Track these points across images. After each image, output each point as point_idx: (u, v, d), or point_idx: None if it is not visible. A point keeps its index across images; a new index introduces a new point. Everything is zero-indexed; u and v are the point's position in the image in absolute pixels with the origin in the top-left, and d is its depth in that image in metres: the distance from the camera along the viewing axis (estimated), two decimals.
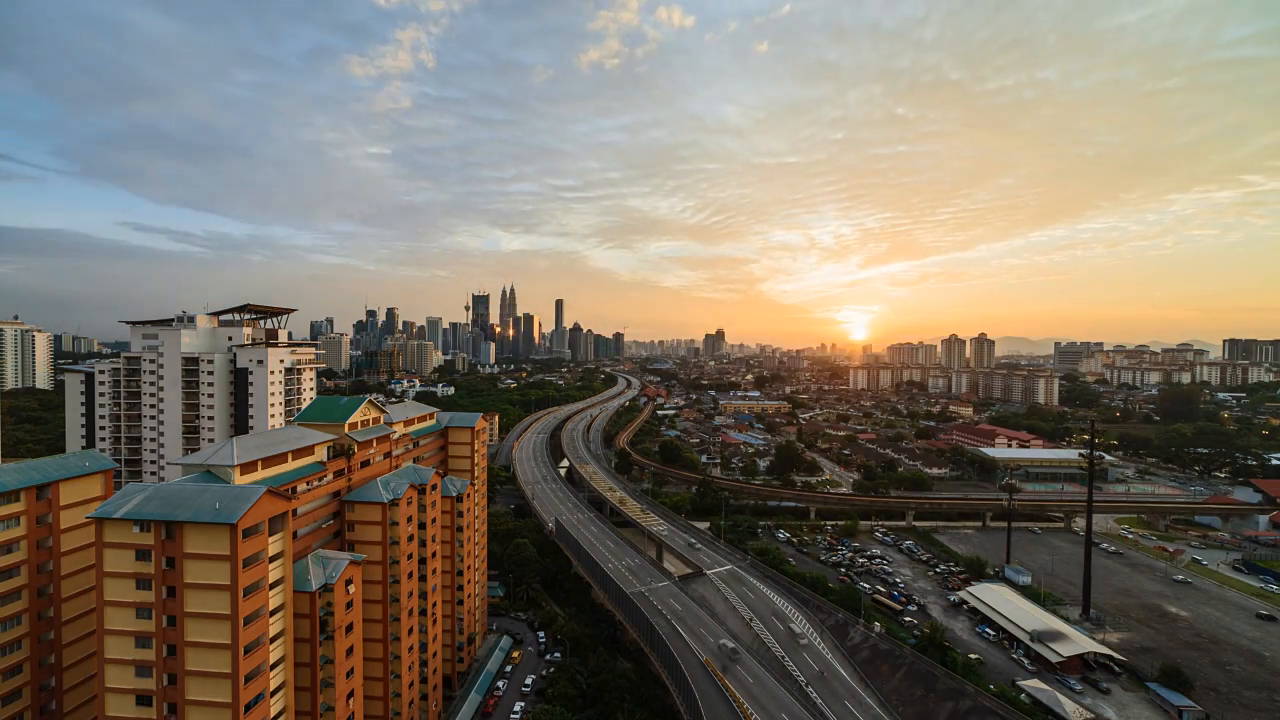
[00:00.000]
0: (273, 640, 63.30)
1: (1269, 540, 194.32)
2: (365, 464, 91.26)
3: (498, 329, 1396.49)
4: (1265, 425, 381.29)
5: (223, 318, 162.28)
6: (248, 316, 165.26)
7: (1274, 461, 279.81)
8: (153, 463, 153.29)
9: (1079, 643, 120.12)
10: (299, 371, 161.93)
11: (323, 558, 72.23)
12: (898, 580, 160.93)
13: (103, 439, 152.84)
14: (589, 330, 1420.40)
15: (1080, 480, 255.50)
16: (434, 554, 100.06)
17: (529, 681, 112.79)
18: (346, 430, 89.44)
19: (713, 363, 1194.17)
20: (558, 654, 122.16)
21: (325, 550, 75.75)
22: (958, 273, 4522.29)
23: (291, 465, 75.21)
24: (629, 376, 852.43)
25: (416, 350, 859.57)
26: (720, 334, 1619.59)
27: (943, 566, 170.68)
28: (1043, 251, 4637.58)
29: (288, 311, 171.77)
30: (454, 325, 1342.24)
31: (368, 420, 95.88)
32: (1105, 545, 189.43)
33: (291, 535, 66.63)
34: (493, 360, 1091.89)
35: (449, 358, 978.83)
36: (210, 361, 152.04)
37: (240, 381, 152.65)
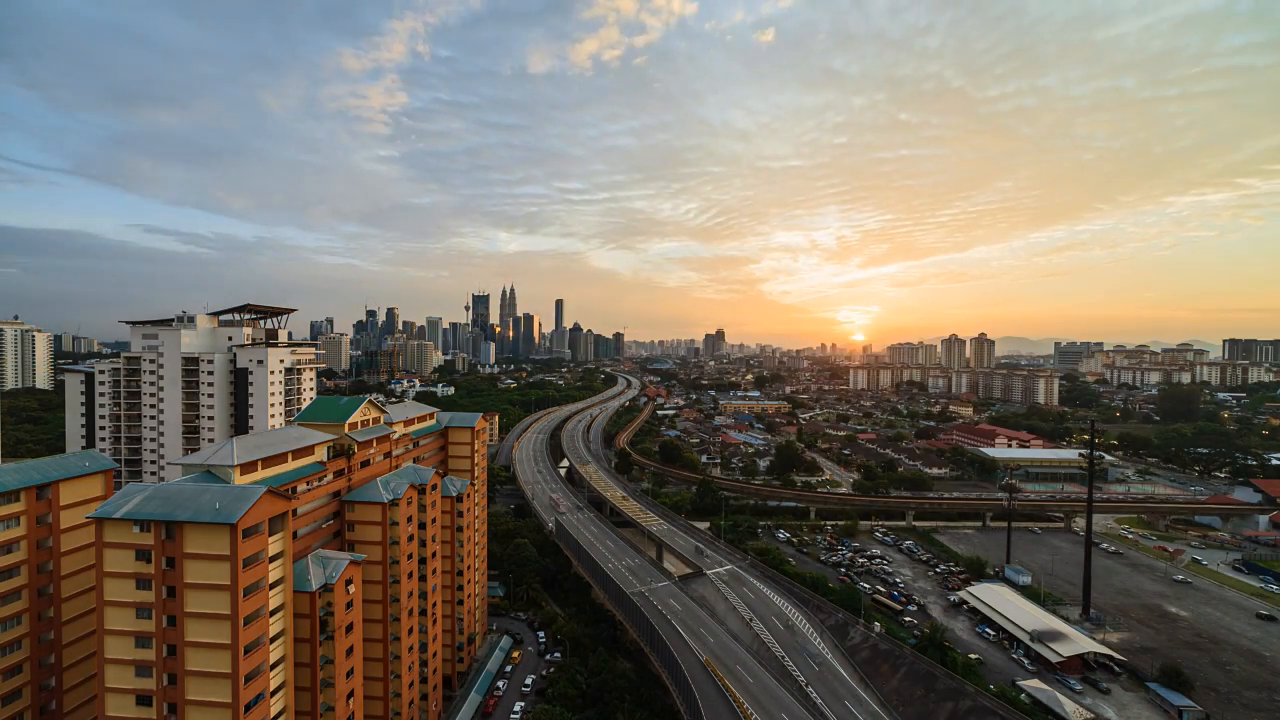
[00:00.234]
0: (273, 640, 63.30)
1: (1269, 540, 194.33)
2: (365, 464, 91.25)
3: (498, 329, 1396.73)
4: (1265, 425, 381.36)
5: (223, 318, 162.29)
6: (248, 316, 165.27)
7: (1274, 461, 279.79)
8: (153, 463, 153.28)
9: (1079, 643, 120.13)
10: (299, 371, 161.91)
11: (323, 558, 72.22)
12: (898, 580, 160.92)
13: (103, 439, 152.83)
14: (589, 330, 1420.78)
15: (1080, 480, 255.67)
16: (434, 554, 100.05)
17: (529, 681, 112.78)
18: (346, 430, 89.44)
19: (713, 363, 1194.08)
20: (558, 654, 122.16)
21: (325, 550, 75.74)
22: (958, 273, 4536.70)
23: (291, 465, 75.21)
24: (629, 376, 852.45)
25: (416, 350, 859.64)
26: (720, 334, 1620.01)
27: (943, 566, 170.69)
28: (1042, 252, 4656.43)
29: (288, 311, 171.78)
30: (454, 325, 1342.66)
31: (368, 420, 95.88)
32: (1105, 545, 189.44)
33: (291, 535, 66.63)
34: (493, 360, 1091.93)
35: (449, 358, 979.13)
36: (210, 361, 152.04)
37: (240, 381, 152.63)
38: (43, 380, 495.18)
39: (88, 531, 74.65)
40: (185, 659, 57.91)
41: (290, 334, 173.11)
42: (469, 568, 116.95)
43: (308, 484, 77.51)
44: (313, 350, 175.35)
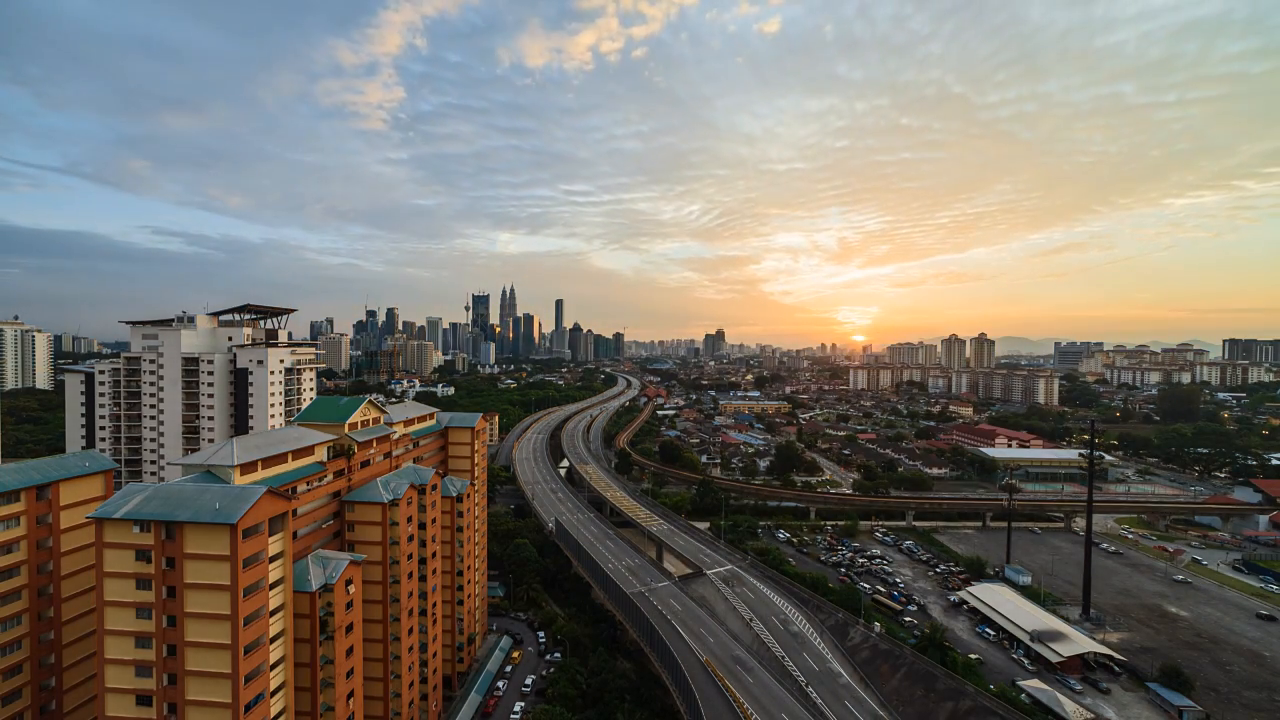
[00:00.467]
0: (273, 640, 63.30)
1: (1269, 540, 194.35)
2: (365, 464, 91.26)
3: (498, 329, 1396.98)
4: (1265, 425, 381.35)
5: (223, 318, 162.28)
6: (248, 317, 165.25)
7: (1274, 461, 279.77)
8: (153, 463, 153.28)
9: (1079, 643, 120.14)
10: (299, 371, 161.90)
11: (323, 558, 72.22)
12: (898, 580, 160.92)
13: (103, 439, 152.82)
14: (589, 330, 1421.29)
15: (1080, 480, 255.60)
16: (434, 554, 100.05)
17: (529, 681, 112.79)
18: (346, 430, 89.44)
19: (713, 363, 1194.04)
20: (558, 654, 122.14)
21: (325, 550, 75.75)
22: (958, 273, 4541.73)
23: (291, 465, 75.21)
24: (629, 376, 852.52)
25: (416, 350, 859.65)
26: (720, 334, 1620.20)
27: (943, 566, 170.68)
28: (1041, 253, 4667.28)
29: (288, 311, 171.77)
30: (454, 325, 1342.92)
31: (368, 420, 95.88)
32: (1105, 545, 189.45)
33: (291, 535, 66.64)
34: (493, 360, 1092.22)
35: (449, 358, 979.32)
36: (210, 362, 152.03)
37: (240, 382, 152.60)
38: (43, 380, 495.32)
39: (88, 531, 74.64)
40: (185, 659, 57.91)
41: (290, 334, 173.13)
42: (469, 568, 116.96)
43: (308, 484, 77.52)
44: (313, 350, 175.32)
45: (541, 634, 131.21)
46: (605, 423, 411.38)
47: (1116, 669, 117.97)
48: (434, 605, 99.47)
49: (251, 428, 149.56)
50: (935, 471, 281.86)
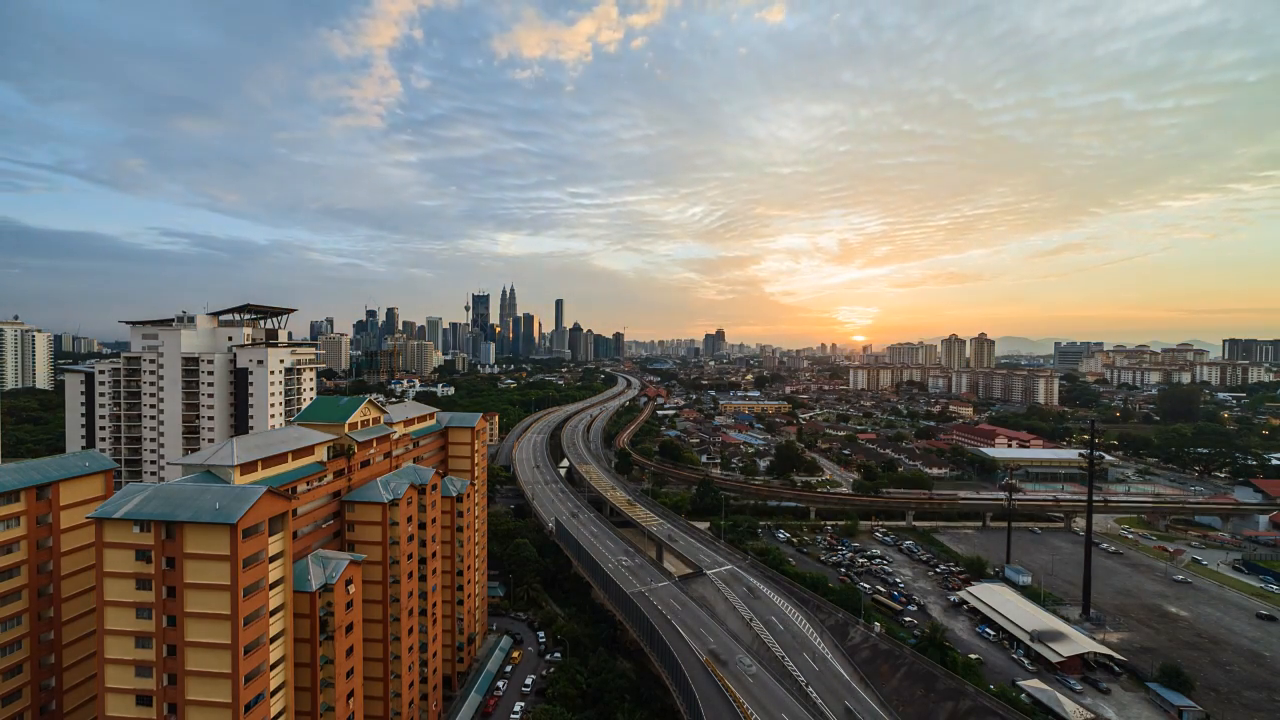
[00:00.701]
0: (273, 640, 63.29)
1: (1269, 540, 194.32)
2: (365, 464, 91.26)
3: (498, 329, 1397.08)
4: (1265, 425, 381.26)
5: (223, 318, 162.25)
6: (248, 317, 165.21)
7: (1274, 461, 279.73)
8: (153, 463, 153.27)
9: (1079, 643, 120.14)
10: (299, 371, 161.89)
11: (323, 558, 72.21)
12: (898, 580, 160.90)
13: (103, 439, 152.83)
14: (589, 330, 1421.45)
15: (1080, 480, 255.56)
16: (434, 554, 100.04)
17: (529, 681, 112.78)
18: (346, 430, 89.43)
19: (713, 363, 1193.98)
20: (558, 654, 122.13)
21: (325, 550, 75.73)
22: (958, 274, 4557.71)
23: (291, 465, 75.21)
24: (629, 376, 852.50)
25: (416, 350, 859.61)
26: (720, 334, 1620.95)
27: (943, 566, 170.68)
28: (1040, 254, 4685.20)
29: (288, 311, 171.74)
30: (454, 325, 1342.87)
31: (368, 420, 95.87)
32: (1105, 545, 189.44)
33: (291, 535, 66.63)
34: (493, 360, 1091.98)
35: (449, 358, 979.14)
36: (210, 361, 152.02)
37: (240, 381, 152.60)
38: (43, 380, 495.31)
39: (88, 531, 74.63)
40: (185, 659, 57.90)
41: (290, 334, 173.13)
42: (469, 568, 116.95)
43: (308, 484, 77.52)
44: (313, 350, 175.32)
45: (541, 634, 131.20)
46: (605, 423, 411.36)
47: (1116, 669, 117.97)
48: (434, 605, 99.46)
49: (251, 428, 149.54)
50: (935, 471, 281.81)
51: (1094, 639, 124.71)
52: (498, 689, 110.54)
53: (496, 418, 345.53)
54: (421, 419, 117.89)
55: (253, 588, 59.91)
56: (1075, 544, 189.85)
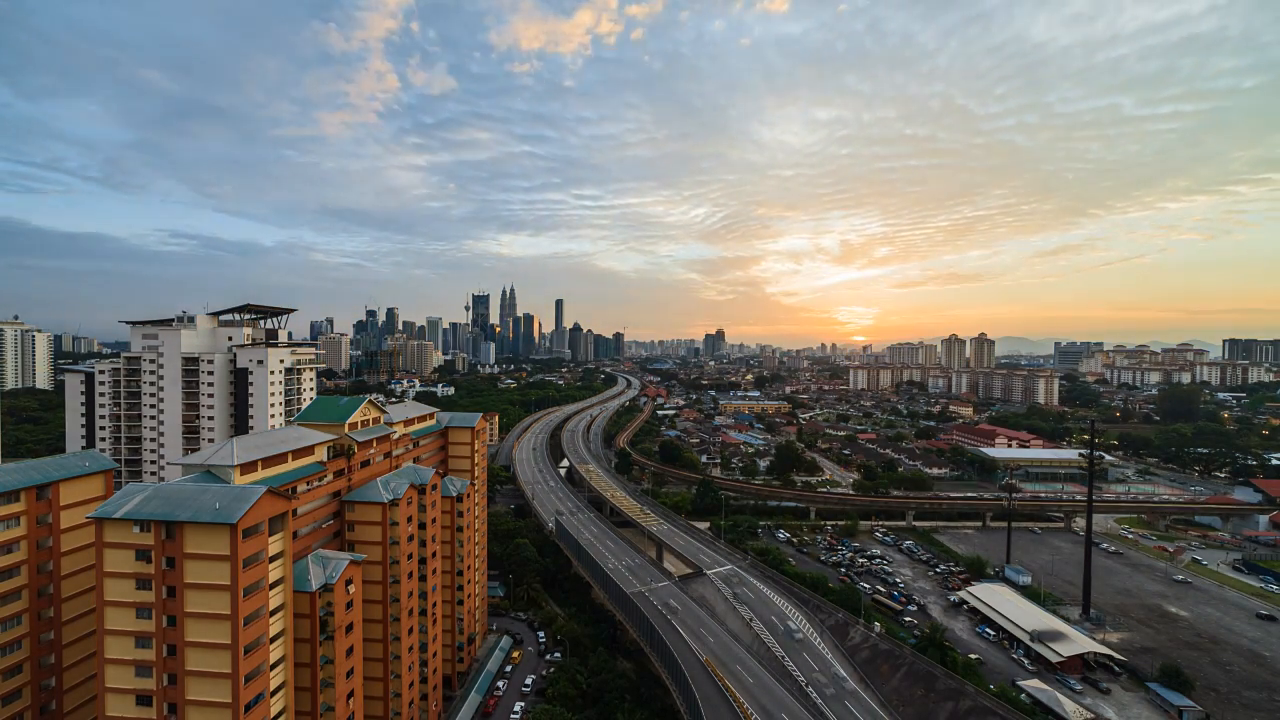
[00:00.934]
0: (273, 640, 63.28)
1: (1269, 540, 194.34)
2: (365, 464, 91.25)
3: (498, 329, 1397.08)
4: (1265, 425, 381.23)
5: (223, 318, 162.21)
6: (248, 316, 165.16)
7: (1274, 461, 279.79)
8: (153, 463, 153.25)
9: (1079, 643, 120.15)
10: (299, 371, 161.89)
11: (323, 558, 72.21)
12: (898, 580, 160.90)
13: (103, 439, 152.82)
14: (589, 330, 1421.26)
15: (1080, 480, 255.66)
16: (434, 554, 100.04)
17: (529, 681, 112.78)
18: (346, 430, 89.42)
19: (713, 363, 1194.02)
20: (558, 654, 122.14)
21: (325, 550, 75.72)
22: (958, 274, 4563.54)
23: (291, 465, 75.20)
24: (629, 376, 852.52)
25: (416, 350, 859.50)
26: (720, 334, 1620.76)
27: (943, 566, 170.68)
28: (1040, 255, 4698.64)
29: (288, 311, 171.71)
30: (454, 325, 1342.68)
31: (368, 420, 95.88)
32: (1105, 545, 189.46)
33: (291, 535, 66.62)
34: (493, 360, 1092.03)
35: (449, 358, 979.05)
36: (210, 361, 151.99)
37: (240, 381, 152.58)
38: (43, 380, 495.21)
39: (88, 531, 74.62)
40: (185, 659, 57.89)
41: (290, 334, 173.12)
42: (469, 568, 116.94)
43: (308, 484, 77.51)
44: (313, 350, 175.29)
45: (541, 634, 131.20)
46: (605, 423, 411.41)
47: (1116, 669, 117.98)
48: (434, 605, 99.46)
49: (251, 428, 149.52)
50: (935, 471, 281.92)
51: (1094, 639, 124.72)
52: (498, 689, 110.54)
53: (496, 418, 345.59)
54: (421, 419, 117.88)
55: (253, 588, 59.90)
56: (1075, 544, 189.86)
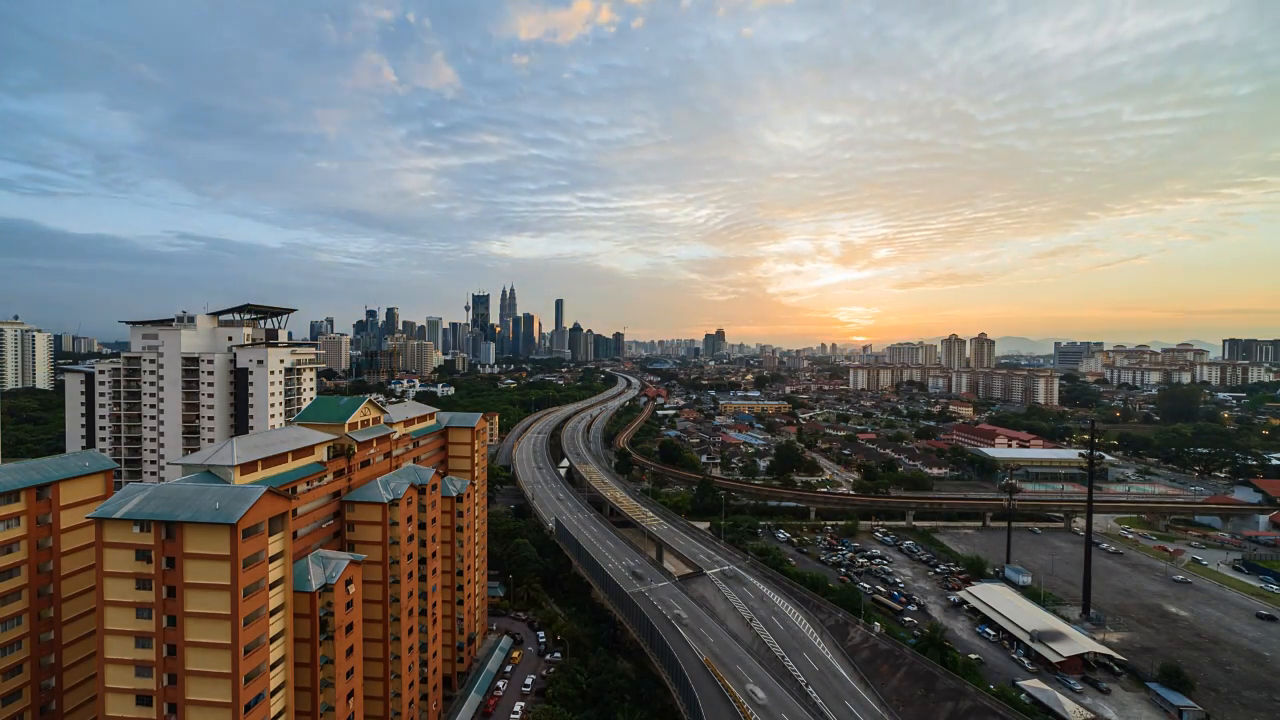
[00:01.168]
0: (273, 640, 63.27)
1: (1269, 540, 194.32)
2: (365, 464, 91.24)
3: (498, 329, 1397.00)
4: (1265, 425, 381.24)
5: (223, 318, 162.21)
6: (248, 317, 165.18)
7: (1274, 461, 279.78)
8: (153, 463, 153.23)
9: (1079, 643, 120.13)
10: (299, 371, 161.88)
11: (323, 558, 72.20)
12: (898, 580, 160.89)
13: (103, 439, 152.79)
14: (589, 330, 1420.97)
15: (1080, 480, 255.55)
16: (434, 554, 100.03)
17: (529, 681, 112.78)
18: (346, 430, 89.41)
19: (713, 363, 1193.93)
20: (558, 654, 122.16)
21: (325, 550, 75.71)
22: (957, 275, 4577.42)
23: (291, 465, 75.19)
24: (629, 376, 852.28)
25: (416, 350, 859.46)
26: (720, 334, 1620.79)
27: (943, 566, 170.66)
28: (1040, 255, 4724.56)
29: (288, 311, 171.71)
30: (454, 325, 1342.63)
31: (368, 420, 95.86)
32: (1105, 545, 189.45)
33: (291, 535, 66.60)
34: (493, 360, 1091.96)
35: (449, 358, 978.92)
36: (210, 361, 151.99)
37: (240, 381, 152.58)
38: (43, 380, 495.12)
39: (88, 531, 74.59)
40: (185, 659, 57.88)
41: (290, 334, 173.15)
42: (469, 568, 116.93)
43: (308, 484, 77.50)
44: (313, 350, 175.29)
45: (541, 634, 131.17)
46: (605, 423, 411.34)
47: (1116, 669, 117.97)
48: (434, 605, 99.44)
49: (251, 428, 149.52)
50: (935, 471, 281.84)
51: (1094, 639, 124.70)
52: (498, 689, 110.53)
53: (496, 418, 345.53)
54: (421, 419, 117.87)
55: (253, 588, 59.89)
56: (1075, 544, 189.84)
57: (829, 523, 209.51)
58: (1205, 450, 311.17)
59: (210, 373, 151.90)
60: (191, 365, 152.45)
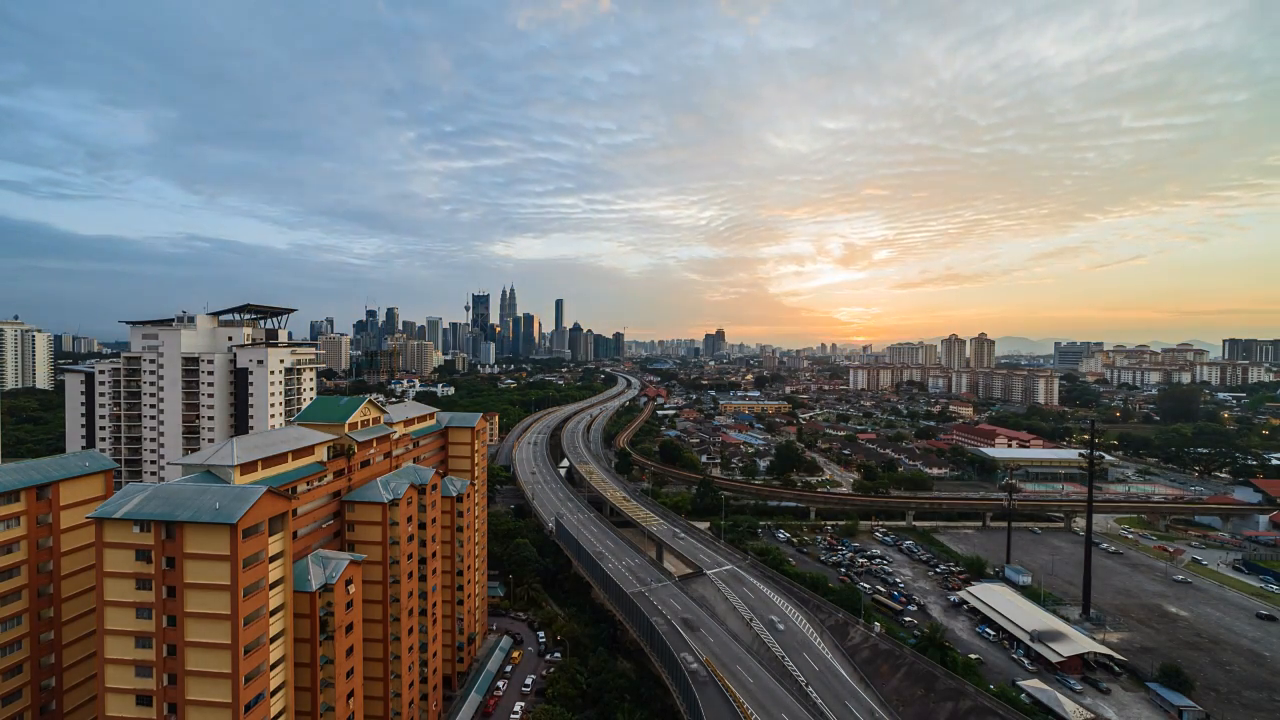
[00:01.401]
0: (273, 640, 63.26)
1: (1269, 540, 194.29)
2: (365, 464, 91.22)
3: (498, 329, 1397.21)
4: (1265, 425, 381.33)
5: (223, 318, 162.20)
6: (248, 316, 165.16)
7: (1274, 461, 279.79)
8: (153, 463, 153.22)
9: (1079, 643, 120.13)
10: (299, 371, 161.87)
11: (323, 558, 72.19)
12: (898, 580, 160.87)
13: (103, 439, 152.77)
14: (589, 330, 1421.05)
15: (1080, 480, 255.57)
16: (434, 554, 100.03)
17: (529, 681, 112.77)
18: (346, 430, 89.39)
19: (713, 363, 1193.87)
20: (558, 654, 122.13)
21: (325, 550, 75.70)
22: (957, 275, 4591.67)
23: (291, 465, 75.17)
24: (629, 376, 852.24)
25: (416, 350, 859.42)
26: (720, 334, 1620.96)
27: (943, 566, 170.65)
28: (1040, 256, 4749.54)
29: (288, 311, 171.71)
30: (454, 325, 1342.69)
31: (368, 420, 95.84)
32: (1105, 545, 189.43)
33: (291, 535, 66.59)
34: (493, 360, 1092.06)
35: (449, 358, 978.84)
36: (210, 361, 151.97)
37: (240, 381, 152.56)
38: (43, 380, 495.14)
39: (88, 531, 74.57)
40: (185, 659, 57.87)
41: (290, 334, 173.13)
42: (469, 568, 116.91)
43: (308, 484, 77.48)
44: (313, 350, 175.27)
45: (541, 634, 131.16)
46: (605, 422, 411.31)
47: (1116, 669, 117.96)
48: (434, 605, 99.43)
49: (251, 428, 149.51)
50: (935, 471, 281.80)
51: (1094, 639, 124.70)
52: (498, 689, 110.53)
53: (496, 418, 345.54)
54: (421, 419, 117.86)
55: (253, 588, 59.88)
56: (1075, 544, 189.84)
57: (829, 523, 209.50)
58: (1205, 450, 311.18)
59: (210, 373, 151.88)
60: (191, 365, 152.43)
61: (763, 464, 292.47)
